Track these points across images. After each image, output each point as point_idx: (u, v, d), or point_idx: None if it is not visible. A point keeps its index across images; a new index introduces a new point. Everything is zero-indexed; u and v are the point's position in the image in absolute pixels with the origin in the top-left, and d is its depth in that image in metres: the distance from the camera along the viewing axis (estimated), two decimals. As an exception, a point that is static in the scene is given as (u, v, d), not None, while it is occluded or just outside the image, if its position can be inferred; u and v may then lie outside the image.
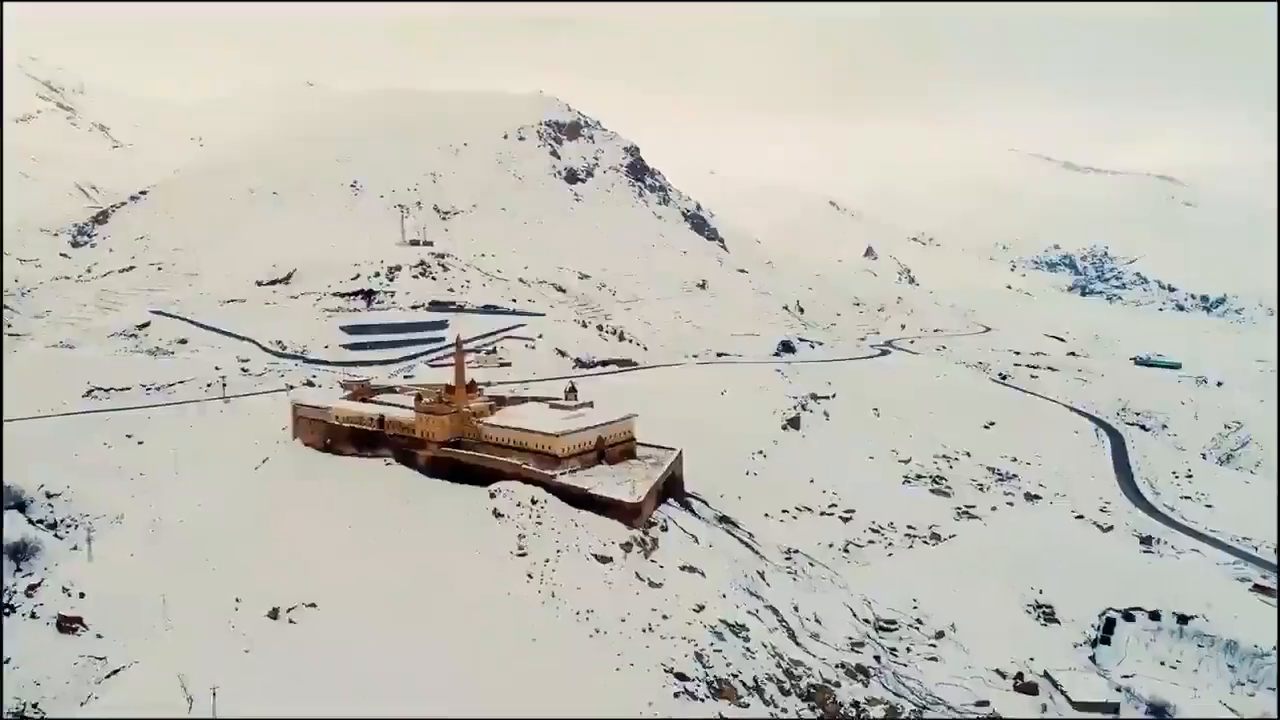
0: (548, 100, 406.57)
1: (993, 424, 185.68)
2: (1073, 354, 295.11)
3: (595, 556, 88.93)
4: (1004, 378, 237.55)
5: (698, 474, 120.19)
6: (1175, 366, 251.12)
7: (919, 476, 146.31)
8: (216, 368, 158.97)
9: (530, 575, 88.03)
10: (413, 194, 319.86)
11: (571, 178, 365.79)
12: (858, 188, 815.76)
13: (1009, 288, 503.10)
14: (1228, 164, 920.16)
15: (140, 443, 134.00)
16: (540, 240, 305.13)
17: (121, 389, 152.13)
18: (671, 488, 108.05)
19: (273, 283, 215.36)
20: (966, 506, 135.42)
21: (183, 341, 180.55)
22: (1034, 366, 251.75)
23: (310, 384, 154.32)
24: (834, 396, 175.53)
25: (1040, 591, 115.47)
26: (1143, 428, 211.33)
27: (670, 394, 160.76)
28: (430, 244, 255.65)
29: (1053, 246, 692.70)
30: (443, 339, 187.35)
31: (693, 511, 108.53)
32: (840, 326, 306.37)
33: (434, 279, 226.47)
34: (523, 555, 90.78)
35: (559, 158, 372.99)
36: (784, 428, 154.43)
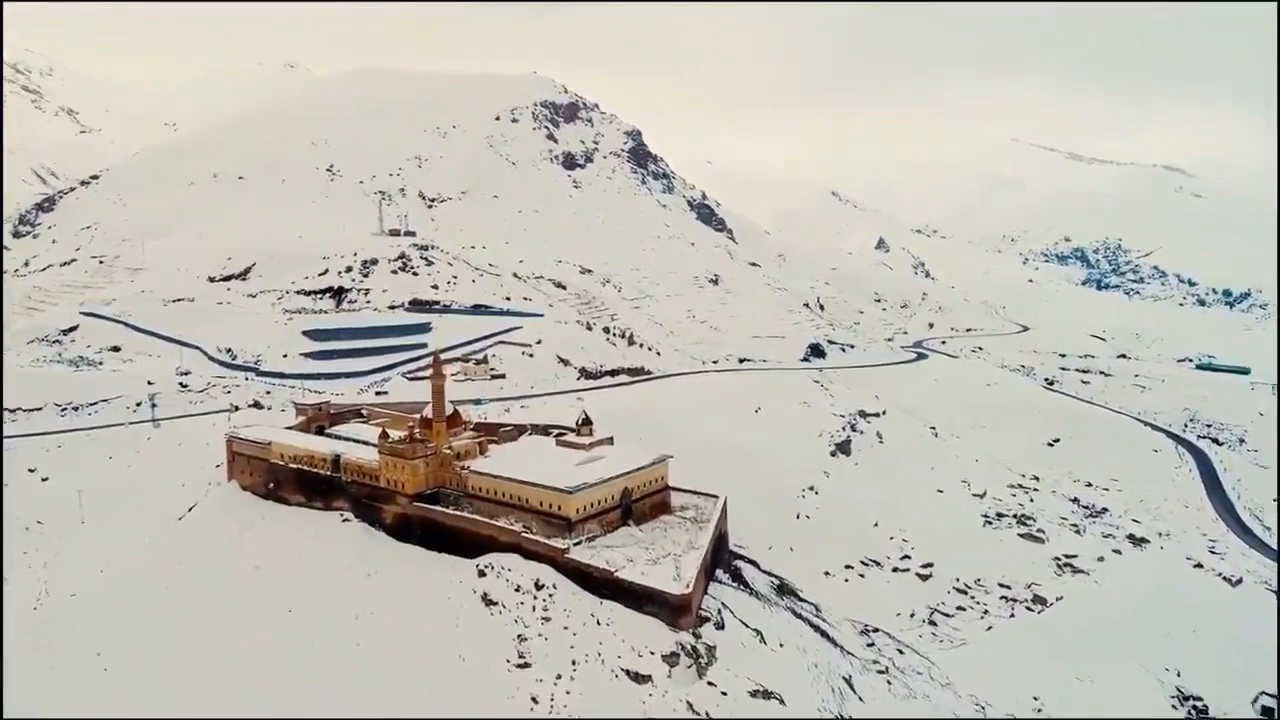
0: (542, 81, 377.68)
1: (1057, 440, 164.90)
2: (1123, 356, 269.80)
3: (628, 673, 62.95)
4: (1051, 383, 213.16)
5: (739, 518, 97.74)
6: (1244, 371, 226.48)
7: (1000, 515, 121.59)
8: (149, 382, 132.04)
9: (536, 699, 62.35)
10: (395, 179, 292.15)
11: (569, 163, 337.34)
12: (856, 180, 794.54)
13: (1030, 281, 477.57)
14: (1228, 158, 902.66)
15: (44, 479, 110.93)
16: (536, 230, 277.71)
17: (31, 409, 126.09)
18: (719, 552, 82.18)
19: (227, 279, 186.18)
20: (1067, 557, 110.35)
21: (114, 349, 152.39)
22: (1084, 370, 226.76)
23: (258, 405, 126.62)
24: (884, 413, 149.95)
25: (1179, 674, 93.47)
26: (1217, 441, 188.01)
27: (695, 411, 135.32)
28: (413, 234, 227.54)
29: (1063, 239, 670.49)
30: (424, 345, 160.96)
31: (745, 583, 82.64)
32: (865, 325, 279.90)
33: (415, 274, 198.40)
34: (525, 666, 64.96)
35: (555, 141, 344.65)
36: (833, 454, 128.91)
